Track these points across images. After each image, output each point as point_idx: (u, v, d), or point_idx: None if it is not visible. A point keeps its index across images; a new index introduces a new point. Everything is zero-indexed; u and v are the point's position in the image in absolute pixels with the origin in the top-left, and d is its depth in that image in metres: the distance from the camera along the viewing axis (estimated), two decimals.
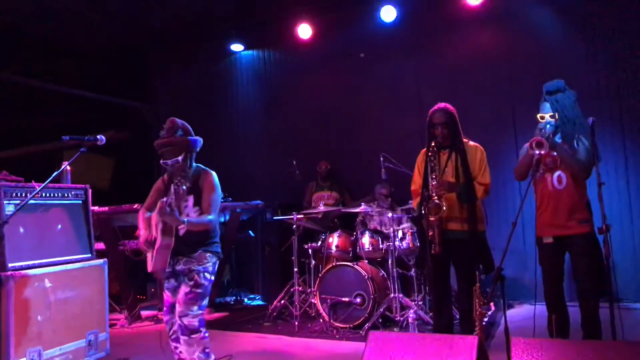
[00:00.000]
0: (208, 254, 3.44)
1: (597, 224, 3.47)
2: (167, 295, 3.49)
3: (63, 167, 3.63)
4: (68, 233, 3.91)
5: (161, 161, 3.40)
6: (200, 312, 3.37)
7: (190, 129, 3.51)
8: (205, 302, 3.42)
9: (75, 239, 3.96)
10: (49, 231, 3.78)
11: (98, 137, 3.37)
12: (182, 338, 3.35)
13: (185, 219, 3.25)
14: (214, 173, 3.52)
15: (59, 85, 7.04)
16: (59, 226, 3.85)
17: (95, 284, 3.97)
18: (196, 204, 3.41)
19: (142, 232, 3.45)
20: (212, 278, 3.46)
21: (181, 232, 3.30)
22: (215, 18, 7.24)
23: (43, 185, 3.20)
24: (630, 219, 5.53)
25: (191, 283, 3.35)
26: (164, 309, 3.51)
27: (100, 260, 4.03)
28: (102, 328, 3.95)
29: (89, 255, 4.03)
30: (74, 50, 7.37)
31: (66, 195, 3.94)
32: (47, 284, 3.56)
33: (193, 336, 3.33)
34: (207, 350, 3.41)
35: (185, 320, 3.30)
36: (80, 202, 4.05)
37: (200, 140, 3.51)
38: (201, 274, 3.37)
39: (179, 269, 3.40)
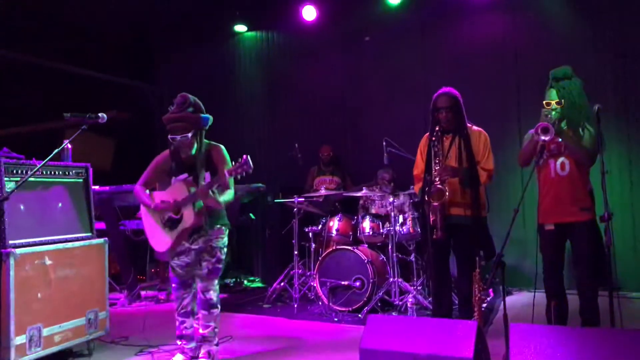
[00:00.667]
0: (223, 227, 3.54)
1: (599, 212, 3.47)
2: (176, 272, 3.53)
3: (64, 144, 3.61)
4: (68, 211, 3.90)
5: (169, 136, 3.38)
6: (217, 286, 3.53)
7: (202, 106, 3.48)
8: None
9: (76, 218, 3.94)
10: (50, 209, 3.76)
11: (99, 115, 3.34)
12: (202, 312, 3.49)
13: (222, 198, 3.32)
14: (222, 146, 3.55)
15: (61, 64, 6.99)
16: (60, 204, 3.84)
17: (96, 263, 3.96)
18: (213, 176, 3.42)
19: (156, 204, 3.44)
20: (226, 250, 3.59)
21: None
22: None
23: (44, 162, 3.18)
24: (632, 208, 5.51)
25: (213, 260, 3.46)
26: (174, 285, 3.58)
27: (101, 240, 4.02)
28: (102, 307, 3.96)
29: (90, 234, 4.01)
30: (77, 28, 7.30)
31: (67, 173, 3.91)
32: (48, 261, 3.56)
33: (212, 310, 3.49)
34: (217, 329, 3.53)
35: (208, 295, 3.45)
36: (81, 180, 4.03)
37: (210, 118, 3.49)
38: (222, 250, 3.51)
39: (198, 247, 3.45)
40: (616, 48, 5.62)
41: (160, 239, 3.45)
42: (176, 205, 3.36)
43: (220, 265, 3.50)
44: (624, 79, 5.60)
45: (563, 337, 2.79)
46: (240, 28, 7.66)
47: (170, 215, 3.39)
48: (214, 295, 3.48)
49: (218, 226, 3.50)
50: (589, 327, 3.43)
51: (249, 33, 7.77)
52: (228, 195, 3.40)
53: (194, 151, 3.40)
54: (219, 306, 3.54)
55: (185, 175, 3.25)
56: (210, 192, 3.22)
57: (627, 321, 3.41)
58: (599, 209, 3.54)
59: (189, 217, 3.31)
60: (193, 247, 3.45)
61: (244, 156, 3.18)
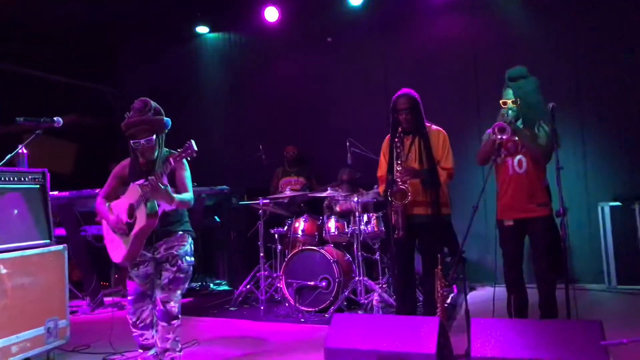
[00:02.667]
0: (186, 235, 3.41)
1: (556, 207, 3.58)
2: (135, 283, 3.38)
3: (17, 149, 3.51)
4: (25, 218, 3.78)
5: (131, 141, 3.24)
6: (180, 297, 3.34)
7: (162, 110, 3.39)
8: (186, 285, 3.40)
9: (33, 225, 3.83)
10: (4, 216, 3.64)
11: (55, 119, 3.26)
12: (162, 324, 3.29)
13: (176, 196, 3.17)
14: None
15: (18, 66, 6.79)
16: (15, 211, 3.72)
17: (55, 270, 3.85)
18: (171, 185, 3.29)
19: (111, 218, 3.32)
20: (192, 259, 3.43)
21: (159, 212, 3.21)
22: None
23: None
24: (587, 202, 5.71)
25: (174, 269, 3.29)
26: (131, 297, 3.40)
27: (60, 246, 3.91)
28: (62, 315, 3.85)
29: (48, 240, 3.90)
30: (35, 30, 7.10)
31: (22, 179, 3.79)
32: (3, 270, 3.45)
33: (173, 322, 3.29)
34: (177, 338, 3.37)
35: (168, 307, 3.26)
36: (37, 186, 3.91)
37: (170, 121, 3.42)
38: (183, 259, 3.34)
39: (159, 256, 3.31)
40: (571, 47, 5.81)
41: (116, 248, 3.32)
42: (130, 209, 3.24)
43: (182, 275, 3.32)
44: (578, 76, 5.79)
45: (522, 329, 2.88)
46: (202, 29, 7.61)
47: (127, 221, 3.27)
48: (175, 306, 3.29)
49: (180, 232, 3.37)
50: (547, 319, 3.53)
51: (212, 34, 7.73)
52: (185, 196, 3.27)
53: (155, 155, 3.31)
54: (180, 317, 3.35)
55: (142, 180, 3.12)
56: (162, 186, 3.04)
57: (583, 312, 3.52)
58: (555, 204, 3.65)
59: (141, 218, 3.17)
60: (155, 255, 3.32)
61: (189, 141, 3.09)
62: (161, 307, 3.27)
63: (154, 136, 3.25)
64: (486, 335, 2.84)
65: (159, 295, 3.29)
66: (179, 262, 3.31)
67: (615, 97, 5.67)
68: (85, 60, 7.76)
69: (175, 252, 3.32)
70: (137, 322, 3.40)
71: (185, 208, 3.39)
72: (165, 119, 3.36)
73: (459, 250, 3.15)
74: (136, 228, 3.18)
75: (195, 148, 3.09)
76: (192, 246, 3.46)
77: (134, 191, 3.21)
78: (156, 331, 3.37)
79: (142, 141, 3.22)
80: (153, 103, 3.35)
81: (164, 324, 3.28)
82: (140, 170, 3.30)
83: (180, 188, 3.30)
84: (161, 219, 3.25)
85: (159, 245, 3.32)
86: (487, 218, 5.59)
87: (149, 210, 3.14)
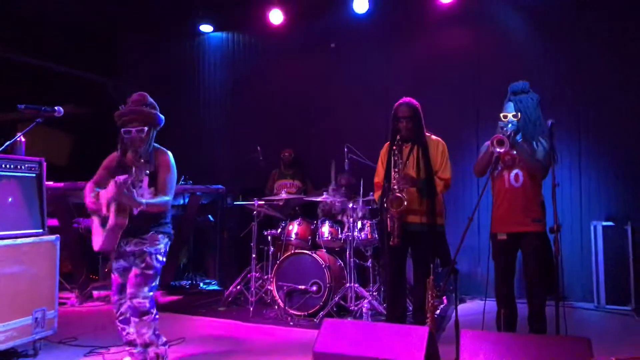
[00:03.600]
0: (160, 235, 3.38)
1: (550, 223, 3.59)
2: (115, 276, 3.43)
3: (16, 137, 3.50)
4: (19, 207, 3.77)
5: (122, 130, 3.25)
6: (150, 293, 3.32)
7: (157, 106, 3.41)
8: (156, 283, 3.38)
9: (27, 214, 3.82)
10: None
11: (56, 108, 3.26)
12: (133, 320, 3.30)
13: (144, 201, 3.15)
14: (169, 153, 3.43)
15: (18, 54, 6.76)
16: (10, 199, 3.71)
17: (46, 260, 3.84)
18: (151, 185, 3.31)
19: (89, 200, 3.33)
20: (164, 259, 3.41)
21: (135, 212, 3.21)
22: None
23: None
24: (580, 220, 5.73)
25: (142, 265, 3.29)
26: (112, 289, 3.44)
27: (52, 236, 3.90)
28: (50, 306, 3.83)
29: (41, 230, 3.89)
30: (37, 18, 7.08)
31: (19, 167, 3.78)
32: None
33: (144, 318, 3.28)
34: (157, 332, 3.37)
35: (136, 302, 3.26)
36: (34, 175, 3.90)
37: (163, 119, 3.43)
38: (153, 256, 3.32)
39: (129, 250, 3.33)
40: (571, 64, 5.86)
41: (96, 237, 3.34)
42: (108, 204, 3.24)
43: (150, 272, 3.30)
44: (577, 94, 5.83)
45: (511, 343, 2.88)
46: (206, 28, 7.61)
47: (104, 214, 3.27)
48: (144, 301, 3.25)
49: (153, 232, 3.35)
50: (536, 334, 3.53)
51: (215, 33, 7.73)
52: (158, 200, 3.25)
53: (143, 148, 3.31)
54: (153, 311, 3.33)
55: (126, 176, 3.06)
56: (125, 191, 3.01)
57: (572, 329, 3.53)
58: (549, 220, 3.67)
59: (112, 216, 3.18)
60: (127, 249, 3.33)
61: (123, 177, 3.05)
62: (129, 302, 3.28)
63: (146, 128, 3.24)
64: (475, 347, 2.84)
65: (127, 290, 3.30)
66: (147, 258, 3.30)
67: (612, 117, 5.70)
68: (86, 51, 7.75)
69: (145, 249, 3.31)
70: (118, 315, 3.44)
71: (158, 211, 3.34)
72: (160, 115, 3.37)
73: (452, 261, 3.15)
74: (109, 223, 3.19)
75: (128, 184, 3.05)
76: (167, 247, 3.44)
77: (110, 187, 3.19)
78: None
79: (134, 130, 3.23)
80: (150, 99, 3.36)
81: (135, 319, 3.29)
82: (124, 165, 3.30)
83: (159, 189, 3.30)
84: (138, 216, 3.23)
85: (131, 241, 3.33)
86: (480, 230, 5.61)
87: (115, 210, 3.15)
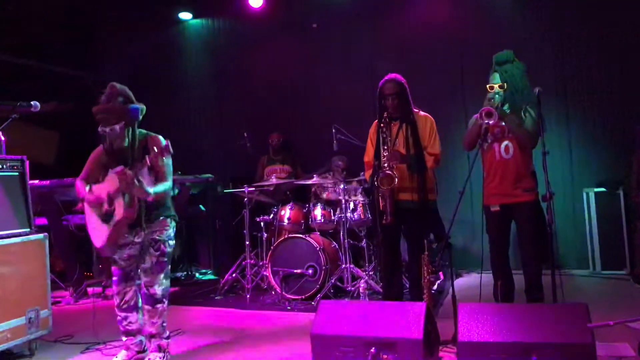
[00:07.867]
0: (167, 219, 3.43)
1: (542, 192, 3.58)
2: (119, 264, 3.42)
3: None
4: (4, 206, 3.69)
5: (99, 128, 3.23)
6: (165, 281, 3.40)
7: (132, 95, 3.34)
8: (169, 268, 3.46)
9: (12, 213, 3.74)
10: None
11: (32, 103, 3.18)
12: (146, 307, 3.37)
13: (151, 190, 3.17)
14: (160, 137, 3.40)
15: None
16: None
17: (36, 259, 3.78)
18: (149, 170, 3.29)
19: (90, 197, 3.31)
20: (174, 242, 3.48)
21: (150, 199, 3.23)
22: None
23: None
24: (572, 188, 5.74)
25: (157, 253, 3.35)
26: (115, 278, 3.45)
27: (40, 235, 3.83)
28: (43, 305, 3.78)
29: (28, 229, 3.82)
30: (13, 14, 6.91)
31: (0, 167, 3.71)
32: None
33: (157, 306, 3.36)
34: (164, 324, 3.42)
35: (152, 290, 3.33)
36: (16, 174, 3.82)
37: (141, 107, 3.34)
38: (166, 243, 3.39)
39: (141, 241, 3.35)
40: (556, 31, 5.81)
41: (98, 233, 3.32)
42: (109, 198, 3.24)
43: (165, 259, 3.38)
44: (563, 61, 5.79)
45: (509, 313, 2.87)
46: (185, 15, 7.49)
47: (106, 208, 3.27)
48: (158, 290, 3.35)
49: (162, 218, 3.39)
50: (533, 303, 3.54)
51: (194, 20, 7.61)
52: (162, 187, 3.27)
53: (126, 143, 3.27)
54: (165, 301, 3.41)
55: (121, 167, 3.08)
56: (136, 182, 3.05)
57: (568, 296, 3.54)
58: (541, 189, 3.65)
59: (119, 210, 3.19)
60: (136, 240, 3.35)
61: (166, 141, 3.15)
62: (145, 291, 3.36)
63: (119, 125, 3.21)
64: (473, 320, 2.83)
65: (143, 278, 3.37)
66: (162, 246, 3.37)
67: (600, 84, 5.68)
68: (64, 46, 7.59)
69: (157, 237, 3.36)
70: (121, 303, 3.45)
71: (165, 196, 3.39)
72: (135, 106, 3.30)
73: (446, 236, 3.13)
74: (117, 217, 3.21)
75: (171, 150, 3.14)
76: (174, 230, 3.49)
77: (112, 180, 3.19)
78: (142, 315, 3.45)
79: (107, 129, 3.21)
80: (120, 88, 3.29)
81: (148, 307, 3.36)
82: (115, 157, 3.28)
83: (158, 176, 3.31)
84: (144, 206, 3.26)
85: (141, 230, 3.34)
86: (473, 204, 5.59)
87: (126, 203, 3.17)
